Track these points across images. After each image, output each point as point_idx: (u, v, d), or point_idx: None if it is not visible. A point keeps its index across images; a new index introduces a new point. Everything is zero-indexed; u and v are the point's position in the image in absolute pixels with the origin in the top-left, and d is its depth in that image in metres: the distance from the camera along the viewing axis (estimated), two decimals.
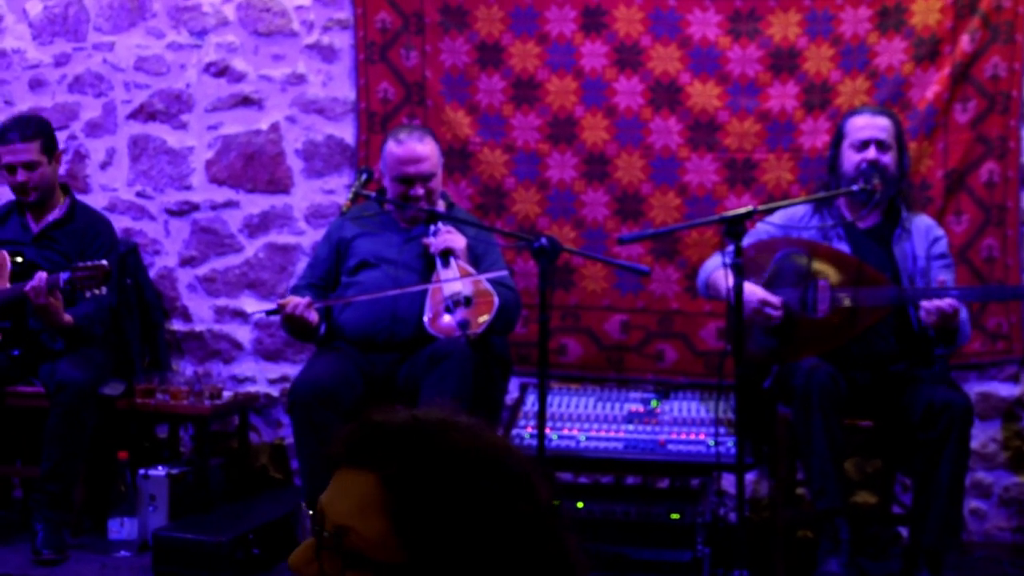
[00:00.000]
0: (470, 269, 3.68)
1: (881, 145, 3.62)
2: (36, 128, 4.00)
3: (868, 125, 3.65)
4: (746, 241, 3.62)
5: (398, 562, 0.99)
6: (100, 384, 3.93)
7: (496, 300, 3.60)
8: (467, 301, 3.58)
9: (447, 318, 3.57)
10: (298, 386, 3.56)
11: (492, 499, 1.00)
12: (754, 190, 4.19)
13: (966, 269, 4.05)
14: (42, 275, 3.72)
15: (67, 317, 3.83)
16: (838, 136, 3.73)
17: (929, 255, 3.66)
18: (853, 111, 3.79)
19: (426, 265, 3.75)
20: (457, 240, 3.70)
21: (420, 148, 3.75)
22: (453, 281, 3.59)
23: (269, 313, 3.79)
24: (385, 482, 1.01)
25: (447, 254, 3.67)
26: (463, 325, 3.50)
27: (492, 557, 0.99)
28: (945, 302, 3.34)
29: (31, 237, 4.06)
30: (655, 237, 4.14)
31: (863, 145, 3.62)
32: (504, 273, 3.75)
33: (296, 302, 3.60)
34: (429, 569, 0.98)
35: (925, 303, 3.38)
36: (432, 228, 3.71)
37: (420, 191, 3.74)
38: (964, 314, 3.50)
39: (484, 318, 3.57)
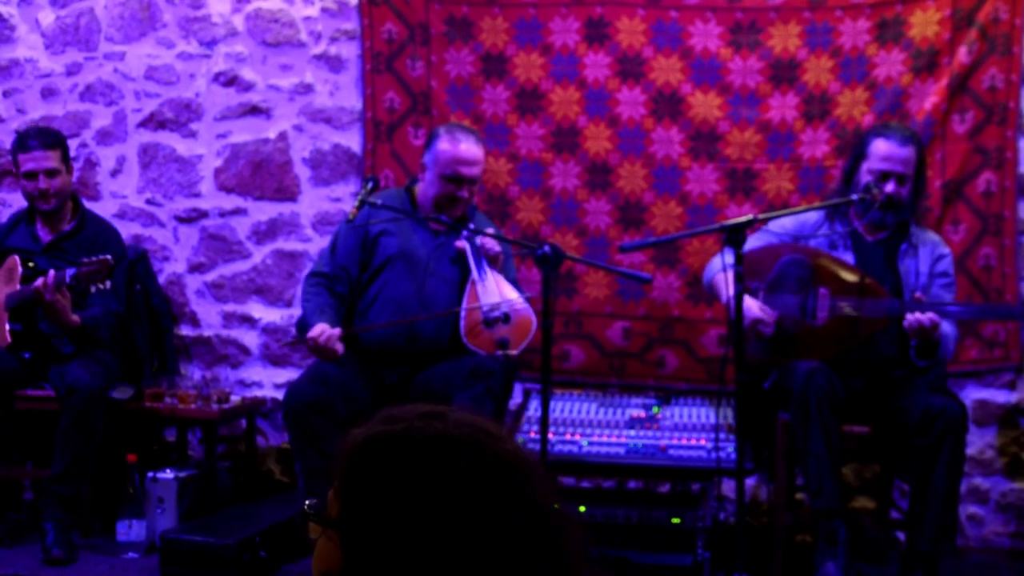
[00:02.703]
0: (508, 283, 3.70)
1: (901, 179, 3.62)
2: (55, 138, 4.11)
3: (892, 156, 3.62)
4: (753, 244, 3.68)
5: (334, 516, 1.09)
6: (109, 388, 3.98)
7: (534, 323, 3.61)
8: (506, 318, 3.59)
9: (485, 333, 3.57)
10: (290, 394, 3.58)
11: (423, 482, 1.05)
12: (754, 199, 4.25)
13: (964, 278, 4.10)
14: (51, 272, 3.78)
15: (75, 317, 3.89)
16: (859, 152, 3.71)
17: (932, 272, 3.71)
18: (880, 131, 3.71)
19: (460, 272, 3.76)
20: (496, 248, 3.73)
21: (477, 151, 3.76)
22: (491, 293, 3.59)
23: (293, 344, 3.70)
24: (346, 455, 1.12)
25: (492, 260, 3.68)
26: (503, 344, 3.49)
27: (421, 534, 1.04)
28: (926, 316, 3.40)
29: (41, 247, 4.12)
30: (657, 245, 4.19)
31: (883, 177, 3.62)
32: (515, 280, 3.80)
33: (328, 335, 3.52)
34: (355, 524, 1.07)
35: (909, 315, 3.43)
36: (464, 232, 3.71)
37: (465, 193, 3.75)
38: (946, 329, 3.55)
39: (524, 336, 3.59)
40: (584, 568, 1.10)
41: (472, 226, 3.74)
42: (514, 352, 3.53)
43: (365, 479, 1.07)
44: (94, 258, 3.70)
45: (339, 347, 3.55)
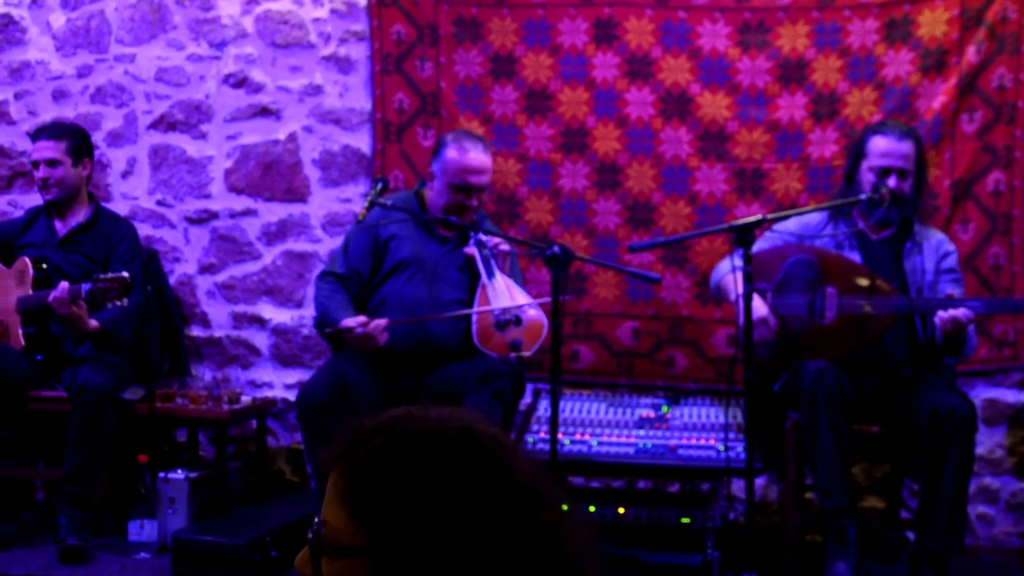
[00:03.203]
0: (518, 286, 3.71)
1: (902, 174, 3.64)
2: (66, 132, 4.20)
3: (891, 152, 3.64)
4: (759, 246, 3.69)
5: (359, 544, 1.04)
6: (121, 389, 4.00)
7: (546, 325, 3.61)
8: (517, 320, 3.60)
9: (497, 336, 3.59)
10: (304, 394, 3.60)
11: (443, 479, 1.02)
12: (763, 199, 4.26)
13: (973, 277, 4.10)
14: (64, 285, 3.80)
15: (93, 323, 3.91)
16: (858, 151, 3.72)
17: (938, 269, 3.71)
18: (877, 128, 3.75)
19: (469, 278, 3.77)
20: (505, 247, 3.73)
21: (485, 159, 3.77)
22: (501, 295, 3.60)
23: (334, 332, 3.68)
24: (342, 472, 1.07)
25: (504, 257, 3.69)
26: (515, 346, 3.50)
27: (453, 535, 1.01)
28: (960, 311, 3.39)
29: (56, 241, 4.16)
30: (665, 245, 4.20)
31: (883, 173, 3.64)
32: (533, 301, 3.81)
33: (375, 323, 3.58)
34: (387, 548, 1.02)
35: (941, 312, 3.42)
36: (473, 238, 3.72)
37: (475, 202, 3.76)
38: (971, 326, 3.55)
39: (535, 338, 3.61)
40: (581, 532, 1.08)
41: (480, 232, 3.75)
42: (527, 354, 3.54)
43: (388, 495, 1.03)
44: (111, 275, 3.72)
45: (383, 337, 3.58)
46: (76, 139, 4.19)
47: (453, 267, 3.81)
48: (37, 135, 4.21)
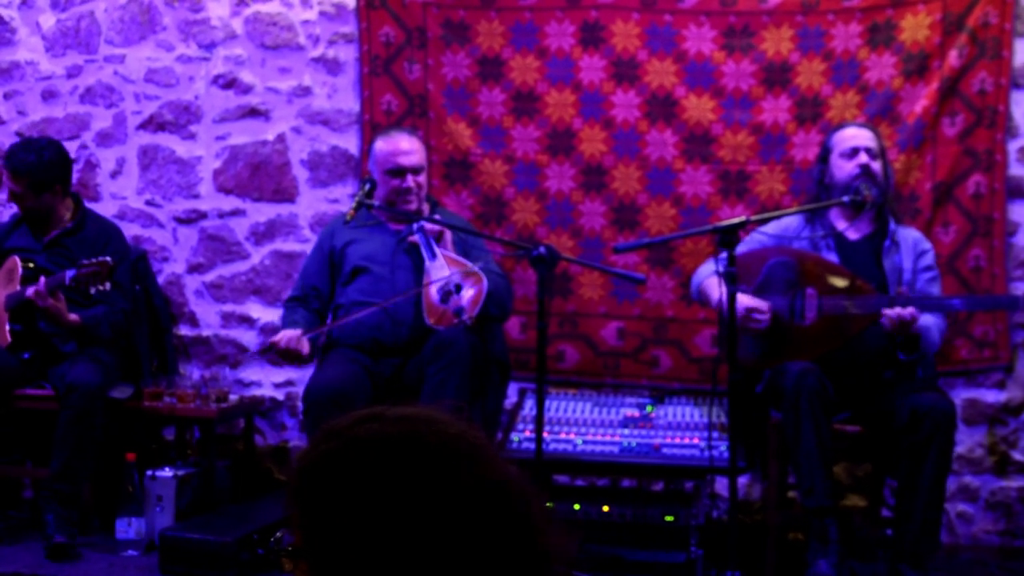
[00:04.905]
0: (455, 257, 3.80)
1: (870, 152, 3.75)
2: (25, 171, 4.02)
3: (855, 135, 3.80)
4: (739, 250, 3.73)
5: (300, 546, 1.06)
6: (109, 387, 4.01)
7: (485, 281, 3.71)
8: (457, 288, 3.70)
9: (442, 309, 3.67)
10: (312, 389, 3.64)
11: (378, 486, 1.03)
12: (747, 201, 4.30)
13: (953, 279, 4.15)
14: (43, 279, 3.83)
15: (72, 317, 3.93)
16: (825, 151, 3.84)
17: (916, 268, 3.76)
18: (837, 127, 3.92)
19: (419, 265, 3.84)
20: (444, 230, 3.83)
21: (412, 142, 3.91)
22: (440, 271, 3.71)
23: (263, 352, 3.96)
24: (296, 475, 1.09)
25: (438, 237, 3.79)
26: (458, 312, 3.61)
27: (384, 542, 1.01)
28: (907, 310, 3.45)
29: (42, 245, 4.17)
30: (651, 246, 4.23)
31: (853, 152, 3.75)
32: (490, 263, 3.86)
33: (288, 337, 3.72)
34: (319, 553, 1.04)
35: (887, 310, 3.48)
36: (415, 225, 3.82)
37: (411, 183, 3.85)
38: (928, 321, 3.60)
39: (476, 300, 3.68)
40: (550, 535, 1.08)
41: (432, 216, 3.85)
42: (472, 315, 3.62)
43: (317, 504, 1.04)
44: (94, 260, 3.74)
45: (304, 347, 3.73)
46: (37, 176, 4.02)
47: (408, 257, 3.89)
48: (8, 158, 4.07)
